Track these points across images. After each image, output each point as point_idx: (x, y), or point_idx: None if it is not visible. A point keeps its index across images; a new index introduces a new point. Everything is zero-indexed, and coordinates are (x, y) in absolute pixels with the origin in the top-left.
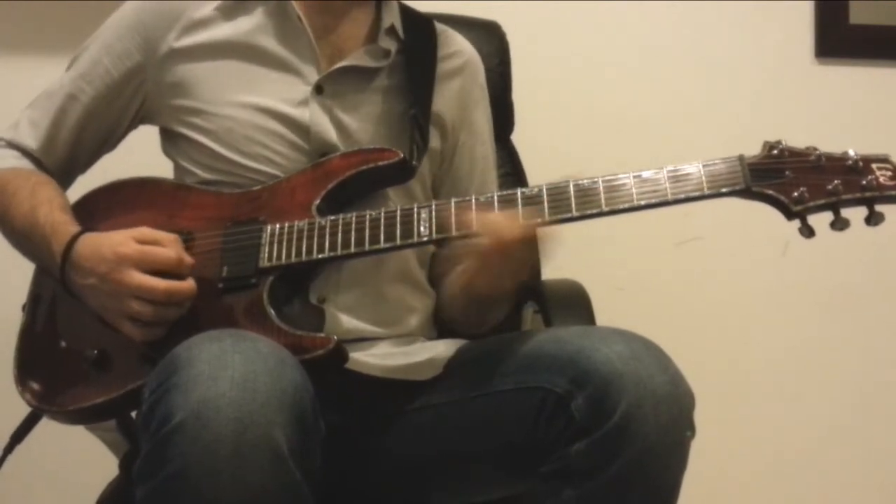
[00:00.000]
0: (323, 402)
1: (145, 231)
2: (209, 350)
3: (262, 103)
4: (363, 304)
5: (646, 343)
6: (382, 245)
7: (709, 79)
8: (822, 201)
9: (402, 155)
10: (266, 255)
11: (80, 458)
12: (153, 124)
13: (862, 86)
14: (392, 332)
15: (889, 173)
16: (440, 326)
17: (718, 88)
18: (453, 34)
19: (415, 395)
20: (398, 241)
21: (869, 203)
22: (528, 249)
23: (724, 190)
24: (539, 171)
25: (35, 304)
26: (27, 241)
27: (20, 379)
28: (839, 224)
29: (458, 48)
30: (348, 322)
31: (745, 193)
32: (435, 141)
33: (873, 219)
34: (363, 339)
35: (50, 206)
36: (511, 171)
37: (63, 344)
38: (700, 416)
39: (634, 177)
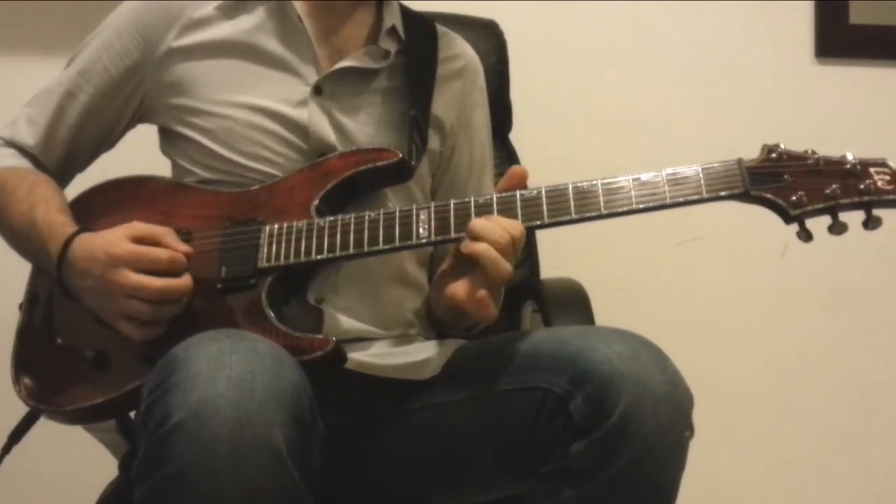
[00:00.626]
0: (322, 402)
1: (138, 226)
2: (207, 350)
3: (260, 103)
4: (361, 305)
5: (645, 343)
6: (381, 246)
7: (708, 78)
8: (820, 205)
9: (400, 155)
10: (265, 255)
11: (80, 458)
12: (151, 123)
13: (862, 86)
14: (391, 332)
15: (887, 178)
16: (437, 327)
17: (718, 88)
18: (454, 37)
19: (414, 395)
20: (397, 243)
21: (867, 207)
22: (516, 254)
23: (722, 193)
24: (537, 171)
25: (32, 304)
26: (24, 240)
27: (17, 378)
28: (837, 228)
29: (459, 51)
30: (347, 322)
31: (744, 197)
32: (434, 142)
33: (871, 223)
34: (362, 339)
35: (47, 206)
36: None
37: (60, 344)
38: (699, 417)
39: (633, 180)
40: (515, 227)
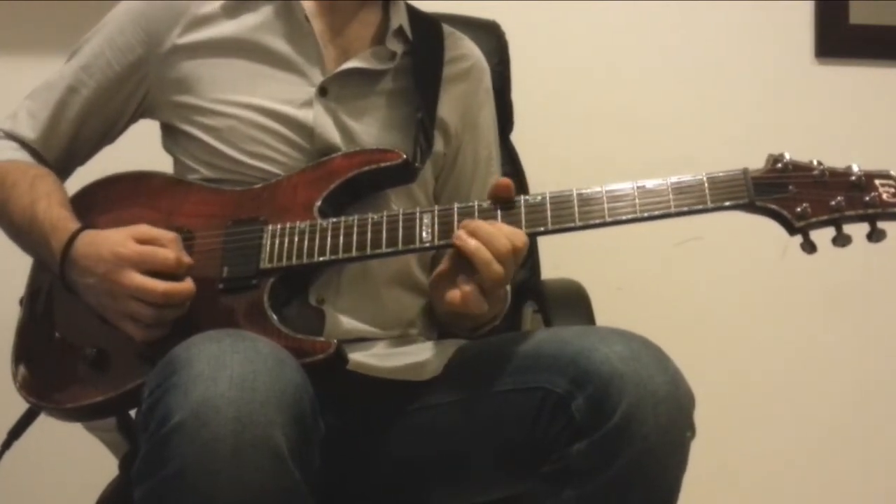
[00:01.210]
0: (322, 403)
1: (144, 230)
2: (208, 350)
3: (264, 104)
4: (362, 306)
5: (645, 343)
6: (384, 249)
7: (708, 78)
8: (824, 217)
9: (404, 156)
10: (267, 256)
11: (80, 458)
12: (154, 119)
13: (862, 86)
14: (391, 333)
15: (892, 190)
16: (440, 327)
17: (718, 88)
18: (460, 37)
19: (415, 396)
20: (399, 246)
21: (871, 220)
22: (513, 262)
23: (727, 203)
24: (539, 171)
25: (33, 300)
26: (26, 235)
27: (17, 374)
28: (841, 241)
29: (465, 52)
30: (348, 323)
31: (749, 207)
32: (438, 144)
33: (875, 235)
34: (362, 340)
35: (49, 201)
36: (511, 170)
37: (61, 340)
38: (700, 417)
39: (637, 187)
40: (519, 236)
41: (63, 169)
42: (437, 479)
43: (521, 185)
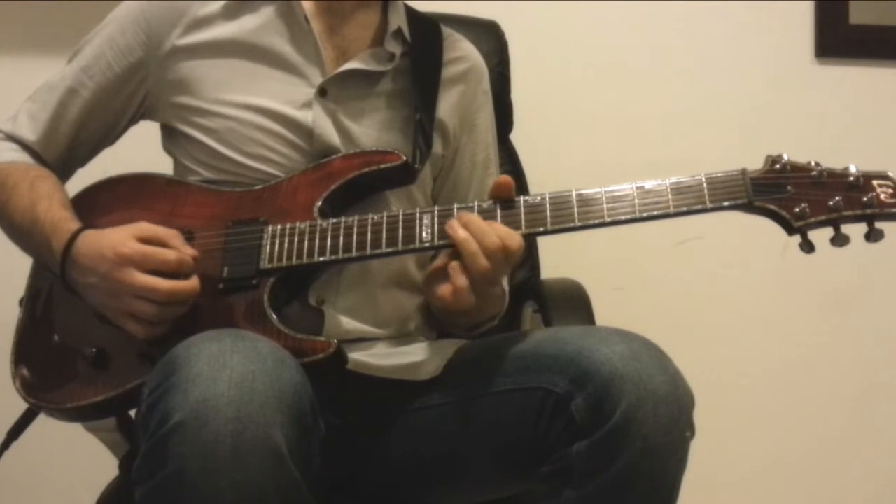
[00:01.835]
0: (322, 403)
1: (145, 227)
2: (208, 350)
3: (264, 104)
4: (362, 306)
5: (645, 343)
6: (384, 249)
7: (709, 78)
8: (823, 217)
9: (404, 157)
10: (267, 256)
11: (80, 458)
12: (154, 121)
13: (862, 86)
14: (391, 333)
15: (890, 190)
16: (438, 327)
17: (718, 88)
18: (459, 38)
19: (414, 396)
20: (399, 247)
21: (869, 220)
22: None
23: (725, 203)
24: (538, 171)
25: (33, 300)
26: (27, 236)
27: (17, 374)
28: (839, 241)
29: (463, 53)
30: (348, 323)
31: (747, 208)
32: (437, 146)
33: (873, 235)
34: (362, 340)
35: (50, 202)
36: (511, 170)
37: (61, 340)
38: (699, 417)
39: (637, 188)
40: (513, 237)
41: (63, 170)
42: (437, 478)
43: (521, 186)
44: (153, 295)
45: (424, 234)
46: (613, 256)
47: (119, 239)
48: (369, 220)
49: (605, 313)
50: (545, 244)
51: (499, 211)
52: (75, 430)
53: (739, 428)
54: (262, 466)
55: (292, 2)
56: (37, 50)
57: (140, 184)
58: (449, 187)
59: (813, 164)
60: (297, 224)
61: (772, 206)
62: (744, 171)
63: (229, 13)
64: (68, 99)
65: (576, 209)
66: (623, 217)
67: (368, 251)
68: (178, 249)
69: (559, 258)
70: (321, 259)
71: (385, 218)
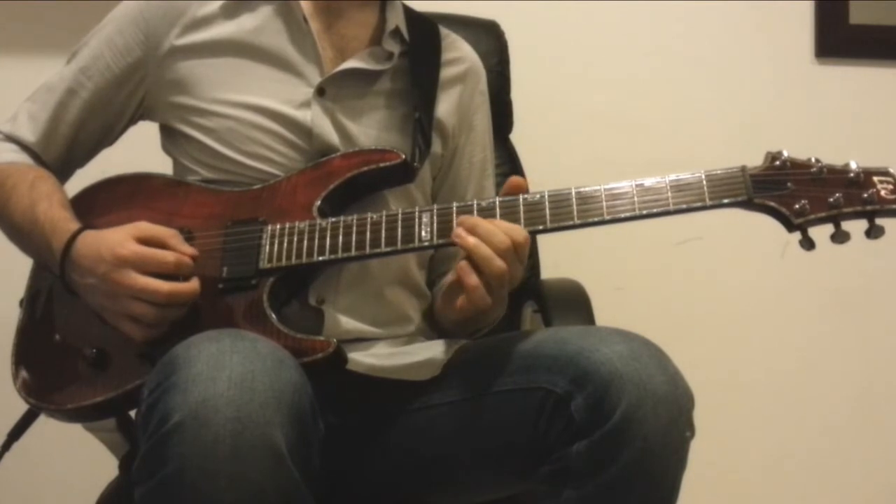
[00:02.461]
0: (322, 403)
1: (144, 227)
2: (208, 350)
3: (262, 104)
4: (362, 306)
5: (645, 343)
6: (383, 249)
7: (709, 78)
8: (823, 214)
9: (403, 156)
10: (266, 255)
11: (80, 458)
12: (153, 121)
13: (862, 86)
14: (391, 333)
15: (890, 187)
16: (439, 329)
17: (718, 88)
18: (456, 39)
19: (414, 396)
20: (399, 246)
21: (870, 216)
22: (515, 258)
23: (725, 201)
24: (538, 171)
25: (33, 301)
26: (26, 236)
27: (17, 375)
28: (839, 237)
29: (461, 54)
30: (347, 323)
31: (747, 205)
32: (436, 146)
33: (873, 232)
34: (362, 340)
35: (49, 202)
36: (510, 170)
37: (61, 341)
38: (699, 417)
39: (636, 185)
40: (518, 231)
41: (63, 170)
42: (437, 478)
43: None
44: (152, 297)
45: (423, 234)
46: (613, 256)
47: (117, 240)
48: (368, 219)
49: (605, 313)
50: (545, 244)
51: (498, 209)
52: (75, 430)
53: (739, 428)
54: (262, 466)
55: (290, 1)
56: (37, 50)
57: (139, 184)
58: (447, 188)
59: (813, 160)
60: (297, 223)
61: (772, 203)
62: (743, 168)
63: (228, 13)
64: (67, 99)
65: (575, 207)
66: (622, 215)
67: (368, 250)
68: (177, 249)
69: (559, 258)
70: (320, 258)
71: (384, 217)
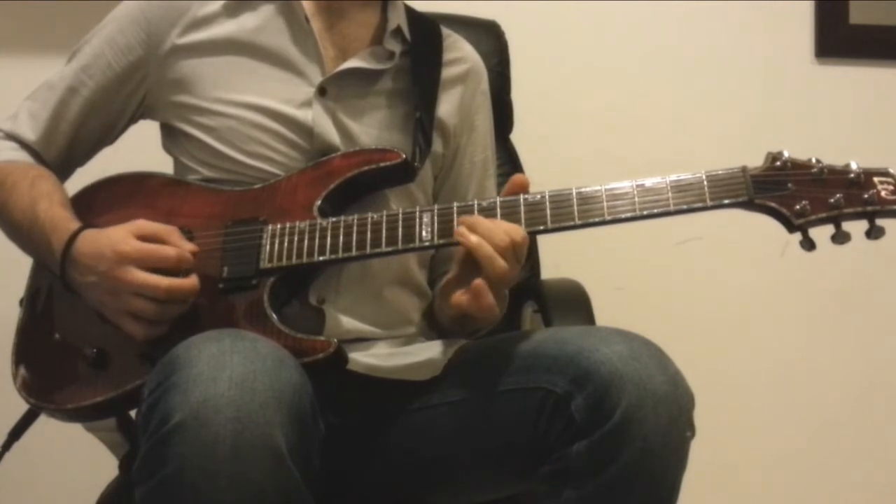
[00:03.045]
0: (322, 403)
1: (143, 224)
2: (208, 350)
3: (263, 103)
4: (362, 306)
5: (646, 343)
6: (384, 248)
7: (709, 78)
8: (823, 215)
9: (403, 156)
10: (267, 255)
11: (80, 458)
12: (154, 120)
13: (862, 86)
14: (391, 333)
15: (891, 187)
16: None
17: (718, 88)
18: (458, 39)
19: (414, 396)
20: (399, 245)
21: (870, 217)
22: (515, 257)
23: (726, 201)
24: (538, 171)
25: (33, 300)
26: (26, 235)
27: (18, 375)
28: (840, 238)
29: (463, 54)
30: (348, 323)
31: (748, 205)
32: (437, 145)
33: (874, 232)
34: (363, 340)
35: (49, 201)
36: (510, 170)
37: (61, 341)
38: (699, 417)
39: (637, 186)
40: (517, 230)
41: (63, 169)
42: (437, 478)
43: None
44: (153, 292)
45: (424, 233)
46: (613, 256)
47: (118, 237)
48: (369, 219)
49: (605, 313)
50: (545, 244)
51: (499, 209)
52: (75, 430)
53: (740, 428)
54: (262, 466)
55: (292, 1)
56: (37, 50)
57: (139, 183)
58: (448, 188)
59: (813, 161)
60: (297, 223)
61: (772, 204)
62: (744, 169)
63: (229, 12)
64: (68, 98)
65: (576, 207)
66: (623, 215)
67: (368, 250)
68: (178, 246)
69: (559, 258)
70: (321, 258)
71: (385, 217)
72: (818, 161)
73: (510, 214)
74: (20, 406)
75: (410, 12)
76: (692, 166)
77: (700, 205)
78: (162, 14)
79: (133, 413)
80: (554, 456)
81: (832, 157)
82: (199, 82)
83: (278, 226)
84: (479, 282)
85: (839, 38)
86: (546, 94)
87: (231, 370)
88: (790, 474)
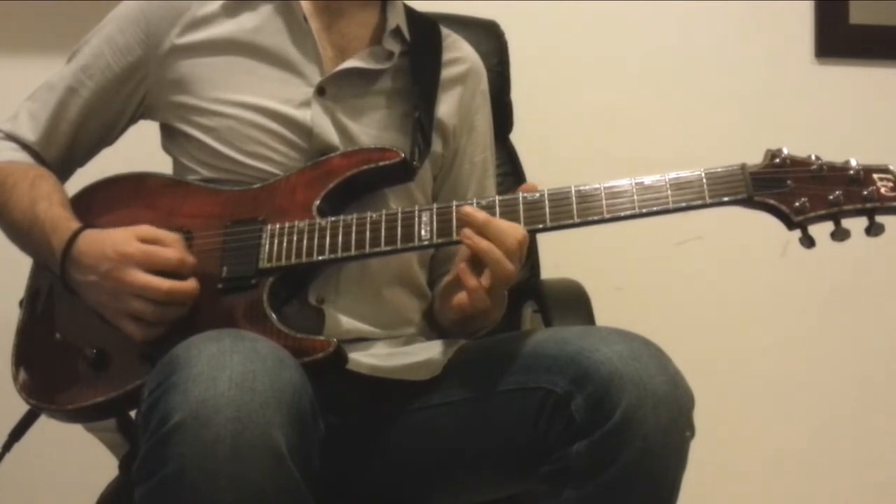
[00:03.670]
0: (322, 403)
1: (147, 230)
2: (208, 350)
3: (262, 103)
4: (362, 306)
5: (645, 343)
6: (383, 248)
7: (709, 79)
8: (823, 212)
9: (403, 155)
10: (266, 255)
11: (80, 458)
12: (153, 120)
13: (862, 86)
14: (391, 333)
15: (890, 184)
16: (439, 330)
17: (718, 88)
18: (457, 39)
19: (414, 396)
20: (398, 245)
21: (870, 214)
22: (519, 258)
23: (725, 199)
24: (538, 171)
25: (33, 301)
26: (26, 235)
27: (18, 376)
28: (839, 235)
29: (462, 54)
30: (348, 323)
31: (747, 203)
32: (436, 145)
33: (873, 229)
34: (362, 340)
35: (49, 201)
36: (510, 170)
37: (61, 341)
38: (699, 416)
39: (636, 184)
40: (517, 229)
41: (63, 170)
42: (437, 479)
43: (521, 185)
44: (153, 294)
45: (423, 232)
46: (613, 256)
47: (121, 238)
48: (368, 218)
49: (605, 313)
50: (545, 244)
51: (498, 208)
52: (75, 431)
53: (739, 428)
54: (262, 466)
55: (291, 1)
56: (37, 50)
57: (139, 183)
58: (448, 188)
59: (813, 158)
60: (296, 223)
61: (772, 201)
62: (743, 166)
63: (228, 12)
64: (68, 98)
65: (575, 206)
66: (623, 213)
67: (367, 249)
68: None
69: (559, 258)
70: (320, 258)
71: (384, 216)
72: (817, 158)
73: (509, 213)
74: (20, 406)
75: (410, 12)
76: (692, 165)
77: (699, 202)
78: (161, 14)
79: (133, 413)
80: (554, 456)
81: (832, 157)
82: (198, 82)
83: (277, 226)
84: (475, 283)
85: (839, 38)
86: (546, 95)
87: (231, 370)
88: (790, 474)
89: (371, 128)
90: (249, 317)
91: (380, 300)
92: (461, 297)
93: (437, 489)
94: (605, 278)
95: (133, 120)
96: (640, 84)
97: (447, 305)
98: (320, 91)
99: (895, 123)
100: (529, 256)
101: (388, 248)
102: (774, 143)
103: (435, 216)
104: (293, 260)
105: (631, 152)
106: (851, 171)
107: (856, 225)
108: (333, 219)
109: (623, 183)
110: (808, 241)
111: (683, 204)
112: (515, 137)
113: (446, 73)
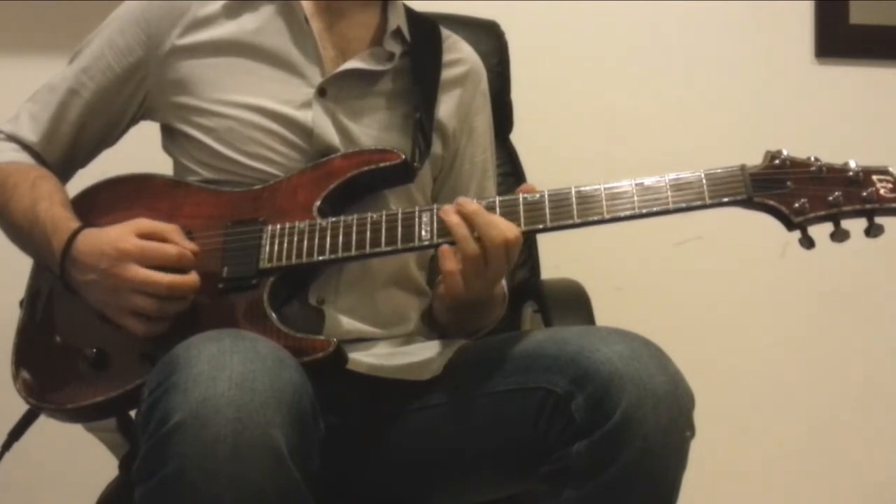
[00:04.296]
0: (323, 403)
1: (144, 223)
2: (208, 350)
3: (263, 104)
4: (362, 306)
5: (646, 343)
6: (383, 248)
7: (709, 79)
8: (822, 213)
9: (403, 156)
10: (266, 255)
11: (80, 458)
12: (154, 121)
13: (862, 86)
14: (391, 333)
15: (889, 185)
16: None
17: (718, 88)
18: (457, 40)
19: (414, 396)
20: (399, 245)
21: (869, 215)
22: (513, 256)
23: (725, 199)
24: (538, 171)
25: (33, 301)
26: (27, 236)
27: (18, 375)
28: (839, 236)
29: (462, 55)
30: (348, 323)
31: (747, 204)
32: (436, 147)
33: (873, 230)
34: (363, 340)
35: (50, 202)
36: (510, 170)
37: (61, 341)
38: (699, 416)
39: (636, 184)
40: (511, 228)
41: (64, 171)
42: (438, 479)
43: (521, 185)
44: (153, 289)
45: (423, 233)
46: (613, 256)
47: (119, 235)
48: (368, 218)
49: (605, 313)
50: (545, 244)
51: (498, 209)
52: (75, 431)
53: (739, 427)
54: (262, 466)
55: (292, 1)
56: (37, 50)
57: (140, 184)
58: (448, 189)
59: (812, 159)
60: (297, 223)
61: (771, 202)
62: (743, 167)
63: (229, 13)
64: (69, 99)
65: (575, 206)
66: (622, 214)
67: (368, 250)
68: (179, 244)
69: (559, 258)
70: (320, 258)
71: (384, 217)
72: (817, 159)
73: (509, 213)
74: (20, 406)
75: (410, 13)
76: (692, 165)
77: (699, 203)
78: (162, 15)
79: (133, 413)
80: (554, 456)
81: (832, 157)
82: (198, 83)
83: (278, 226)
84: (451, 266)
85: (839, 38)
86: (546, 95)
87: (231, 370)
88: (790, 474)
89: (372, 129)
90: (250, 317)
91: (379, 301)
92: (442, 283)
93: (437, 489)
94: (605, 278)
95: (134, 121)
96: (640, 84)
97: (436, 294)
98: (321, 92)
99: (895, 124)
100: (529, 256)
101: (389, 248)
102: (774, 144)
103: (435, 217)
104: (293, 260)
105: (631, 152)
106: (851, 173)
107: (855, 226)
108: (334, 219)
109: (623, 184)
110: (807, 242)
111: (683, 204)
112: (515, 137)
113: (446, 74)
